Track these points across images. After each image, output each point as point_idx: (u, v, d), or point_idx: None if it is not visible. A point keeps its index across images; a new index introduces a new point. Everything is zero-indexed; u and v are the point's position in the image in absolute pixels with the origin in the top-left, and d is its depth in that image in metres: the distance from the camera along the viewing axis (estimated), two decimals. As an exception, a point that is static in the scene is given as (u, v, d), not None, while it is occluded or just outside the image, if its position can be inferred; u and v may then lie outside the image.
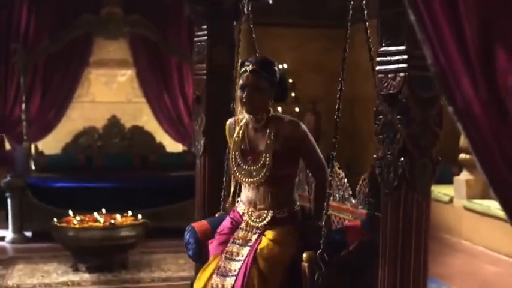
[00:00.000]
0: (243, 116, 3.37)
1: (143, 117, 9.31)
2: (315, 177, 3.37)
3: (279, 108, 7.51)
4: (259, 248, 3.12)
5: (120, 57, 9.16)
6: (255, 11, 3.85)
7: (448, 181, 6.95)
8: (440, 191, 7.00)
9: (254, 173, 3.22)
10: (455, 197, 6.90)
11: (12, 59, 8.35)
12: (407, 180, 2.61)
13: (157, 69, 9.02)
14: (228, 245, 3.22)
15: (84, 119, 9.12)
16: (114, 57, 9.15)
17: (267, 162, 3.18)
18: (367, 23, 3.25)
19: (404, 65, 2.58)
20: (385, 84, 2.65)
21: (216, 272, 3.16)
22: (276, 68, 3.28)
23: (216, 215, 3.65)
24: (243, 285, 3.04)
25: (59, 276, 6.20)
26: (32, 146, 8.62)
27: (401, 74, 2.58)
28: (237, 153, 3.31)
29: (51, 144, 8.86)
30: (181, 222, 7.07)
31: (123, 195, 7.72)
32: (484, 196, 6.54)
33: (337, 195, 3.47)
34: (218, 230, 3.37)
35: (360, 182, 3.26)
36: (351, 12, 2.97)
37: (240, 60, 3.80)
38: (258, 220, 3.22)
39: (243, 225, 3.27)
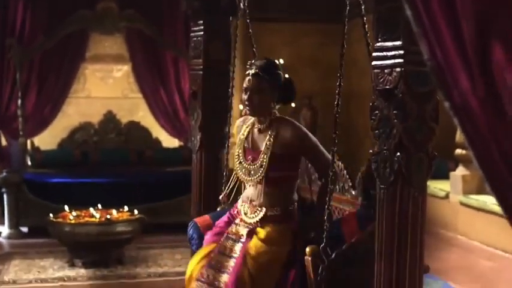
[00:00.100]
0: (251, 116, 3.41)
1: (139, 113, 9.30)
2: (321, 176, 3.35)
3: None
4: (248, 246, 3.17)
5: (116, 53, 9.13)
6: (251, 6, 3.84)
7: (444, 176, 6.94)
8: (436, 186, 6.99)
9: (252, 172, 3.27)
10: (451, 192, 6.89)
11: (7, 55, 8.33)
12: (403, 175, 2.62)
13: (153, 65, 9.00)
14: (222, 239, 3.28)
15: (80, 115, 9.09)
16: (110, 52, 9.12)
17: (264, 163, 3.22)
18: (365, 18, 3.24)
19: (401, 60, 2.58)
20: (381, 80, 2.65)
21: (209, 262, 3.21)
22: (279, 71, 3.30)
23: (218, 209, 3.66)
24: (235, 283, 3.09)
25: (55, 272, 6.21)
26: (28, 142, 8.61)
27: (398, 69, 2.59)
28: (240, 151, 3.36)
29: (47, 139, 8.84)
30: (177, 218, 7.16)
31: (119, 190, 7.71)
32: (480, 191, 6.53)
33: (337, 186, 3.49)
34: (216, 223, 3.42)
35: (360, 174, 3.28)
36: (348, 7, 2.97)
37: (235, 56, 3.83)
38: (251, 216, 3.26)
39: (237, 220, 3.32)
